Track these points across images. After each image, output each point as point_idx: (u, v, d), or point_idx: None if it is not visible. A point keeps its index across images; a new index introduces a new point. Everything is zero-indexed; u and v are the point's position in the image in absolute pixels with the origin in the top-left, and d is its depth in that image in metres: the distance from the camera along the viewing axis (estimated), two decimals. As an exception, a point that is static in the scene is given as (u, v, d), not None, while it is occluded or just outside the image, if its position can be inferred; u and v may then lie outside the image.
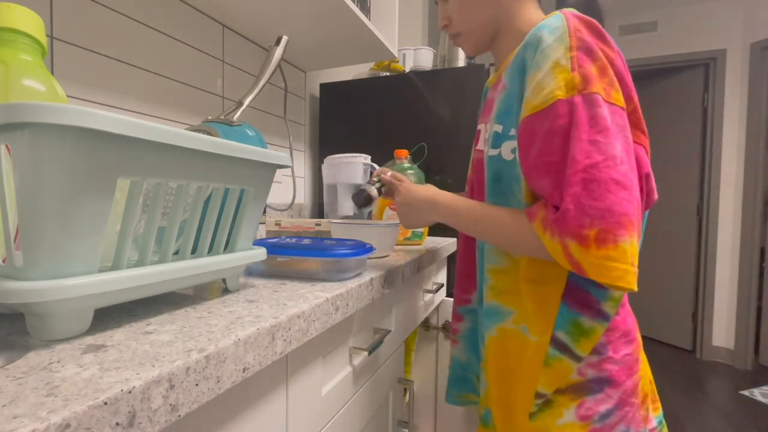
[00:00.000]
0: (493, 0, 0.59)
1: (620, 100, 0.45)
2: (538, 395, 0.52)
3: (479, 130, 0.65)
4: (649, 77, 3.25)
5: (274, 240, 0.61)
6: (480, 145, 0.64)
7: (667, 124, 3.05)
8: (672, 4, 2.82)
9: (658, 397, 0.57)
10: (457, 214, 0.56)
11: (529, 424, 0.52)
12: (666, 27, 2.88)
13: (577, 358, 0.50)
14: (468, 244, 0.70)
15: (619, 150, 0.42)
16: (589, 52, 0.45)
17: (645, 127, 0.48)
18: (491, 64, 1.25)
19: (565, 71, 0.44)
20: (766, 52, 2.57)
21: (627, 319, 0.53)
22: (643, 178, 0.46)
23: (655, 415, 0.55)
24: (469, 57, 1.47)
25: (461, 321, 0.70)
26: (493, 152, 0.55)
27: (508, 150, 0.53)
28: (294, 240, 0.61)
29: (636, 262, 0.41)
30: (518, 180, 0.51)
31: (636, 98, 0.48)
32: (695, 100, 2.86)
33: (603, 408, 0.50)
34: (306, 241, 0.59)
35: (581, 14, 0.49)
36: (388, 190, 0.72)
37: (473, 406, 0.94)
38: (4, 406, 0.19)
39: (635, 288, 0.41)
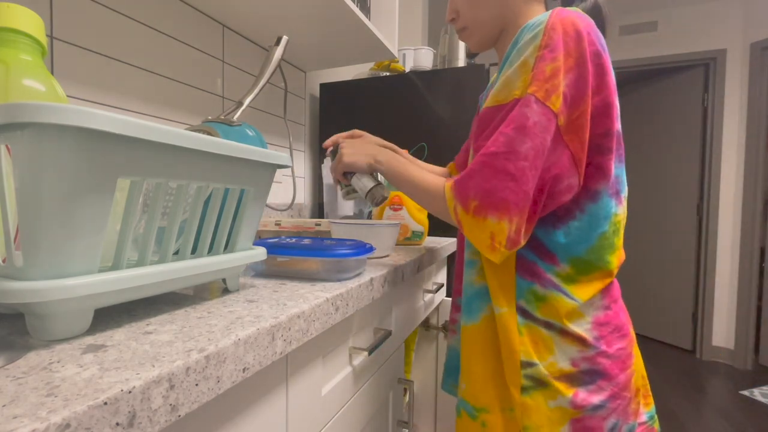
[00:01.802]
0: None
1: (557, 104, 0.47)
2: (524, 364, 0.52)
3: None
4: (649, 77, 3.25)
5: (274, 240, 0.61)
6: None
7: (667, 124, 3.05)
8: (672, 4, 2.82)
9: (650, 393, 0.58)
10: (398, 161, 0.61)
11: (521, 398, 0.52)
12: (666, 27, 2.88)
13: (541, 322, 0.52)
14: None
15: (525, 148, 0.46)
16: (551, 51, 0.47)
17: (586, 136, 0.49)
18: (492, 64, 1.25)
19: (527, 72, 0.48)
20: (766, 52, 2.57)
21: (619, 314, 0.55)
22: (550, 179, 0.49)
23: (647, 410, 0.56)
24: (470, 56, 1.47)
25: (459, 312, 0.71)
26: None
27: None
28: (294, 240, 0.61)
29: (500, 240, 0.47)
30: None
31: (588, 105, 0.48)
32: (695, 100, 2.86)
33: (596, 399, 0.51)
34: (306, 241, 0.59)
35: (576, 11, 0.50)
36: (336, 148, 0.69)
37: None
38: (4, 406, 0.19)
39: (493, 259, 0.49)
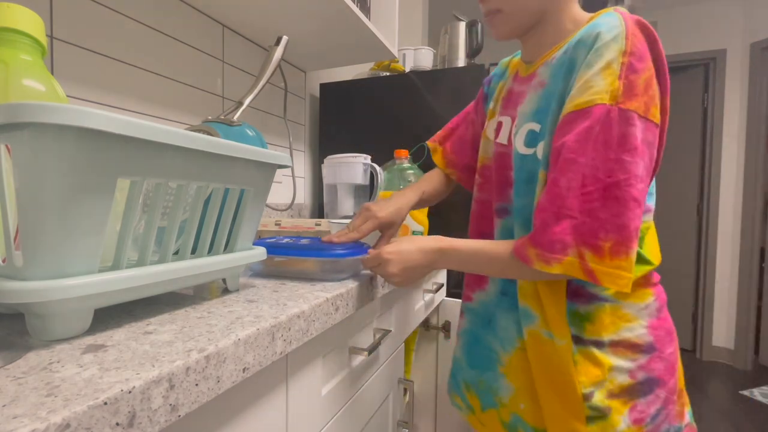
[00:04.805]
0: None
1: (657, 115, 0.46)
2: (586, 396, 0.50)
3: (500, 122, 0.62)
4: (649, 77, 3.25)
5: (272, 240, 0.60)
6: (501, 139, 0.61)
7: (667, 123, 3.04)
8: (672, 4, 2.82)
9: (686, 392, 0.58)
10: (460, 259, 0.54)
11: (587, 429, 0.50)
12: (666, 27, 2.88)
13: (590, 343, 0.51)
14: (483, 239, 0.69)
15: (641, 169, 0.44)
16: (639, 60, 0.45)
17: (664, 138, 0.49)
18: (492, 64, 1.25)
19: (613, 75, 0.45)
20: (766, 52, 2.57)
21: (668, 318, 0.55)
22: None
23: (687, 409, 0.56)
24: (470, 56, 1.47)
25: (462, 318, 0.69)
26: (527, 151, 0.54)
27: (543, 151, 0.52)
28: (291, 240, 0.61)
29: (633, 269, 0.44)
30: None
31: (667, 109, 0.48)
32: (695, 100, 2.86)
33: (653, 409, 0.50)
34: (304, 241, 0.59)
35: (637, 16, 0.48)
36: (377, 269, 0.56)
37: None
38: (4, 406, 0.19)
39: (629, 289, 0.44)
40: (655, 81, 0.46)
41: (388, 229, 0.64)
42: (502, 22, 0.58)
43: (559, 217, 0.45)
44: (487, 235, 0.66)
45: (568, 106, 0.47)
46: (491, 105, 0.68)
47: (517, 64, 0.66)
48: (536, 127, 0.53)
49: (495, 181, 0.62)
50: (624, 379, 0.50)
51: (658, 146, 0.49)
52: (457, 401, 0.69)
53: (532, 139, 0.53)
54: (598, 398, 0.50)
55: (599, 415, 0.50)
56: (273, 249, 0.55)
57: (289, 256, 0.54)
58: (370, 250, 0.57)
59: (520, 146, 0.55)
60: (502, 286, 0.61)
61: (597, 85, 0.45)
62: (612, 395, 0.50)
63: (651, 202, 0.53)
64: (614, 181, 0.44)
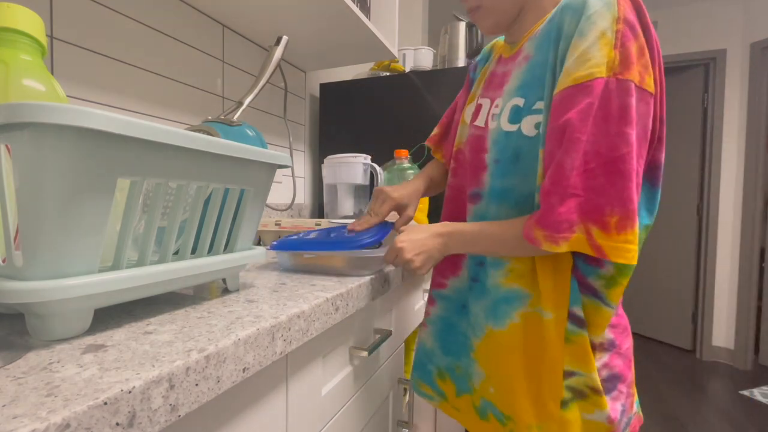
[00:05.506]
0: None
1: (651, 85, 0.45)
2: (567, 374, 0.50)
3: (480, 105, 0.61)
4: (649, 77, 3.24)
5: (296, 237, 0.62)
6: (479, 122, 0.60)
7: (667, 124, 3.04)
8: (672, 4, 2.82)
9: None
10: (468, 240, 0.55)
11: (560, 413, 0.50)
12: (666, 27, 2.88)
13: (589, 332, 0.51)
14: None
15: (635, 140, 0.43)
16: (632, 28, 0.44)
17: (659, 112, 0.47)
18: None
19: (609, 45, 0.44)
20: (766, 52, 2.56)
21: (624, 315, 0.55)
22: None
23: (636, 399, 0.56)
24: (470, 56, 1.47)
25: (433, 305, 0.68)
26: (511, 128, 0.52)
27: (530, 126, 0.50)
28: (317, 234, 0.62)
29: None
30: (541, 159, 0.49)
31: (662, 81, 0.47)
32: (695, 100, 2.86)
33: (619, 404, 0.51)
34: (332, 235, 0.61)
35: None
36: (396, 260, 0.57)
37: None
38: (4, 406, 0.19)
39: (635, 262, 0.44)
40: (646, 49, 0.45)
41: (405, 209, 0.68)
42: (484, 16, 0.59)
43: (564, 198, 0.44)
44: (459, 221, 0.65)
45: (566, 80, 0.46)
46: (473, 89, 0.68)
47: (501, 46, 0.65)
48: (520, 102, 0.52)
49: (468, 166, 0.61)
50: (593, 375, 0.50)
51: (655, 117, 0.48)
52: (426, 391, 0.68)
53: (515, 115, 0.52)
54: (581, 381, 0.50)
55: (573, 397, 0.50)
56: (300, 245, 0.57)
57: (318, 252, 0.57)
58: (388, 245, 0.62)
59: (504, 124, 0.54)
60: (473, 272, 0.60)
61: (594, 57, 0.44)
62: (594, 390, 0.50)
63: (654, 209, 0.52)
64: (618, 155, 0.43)
